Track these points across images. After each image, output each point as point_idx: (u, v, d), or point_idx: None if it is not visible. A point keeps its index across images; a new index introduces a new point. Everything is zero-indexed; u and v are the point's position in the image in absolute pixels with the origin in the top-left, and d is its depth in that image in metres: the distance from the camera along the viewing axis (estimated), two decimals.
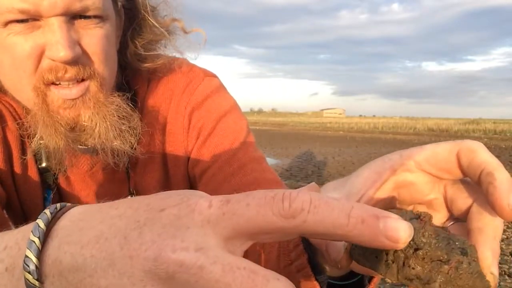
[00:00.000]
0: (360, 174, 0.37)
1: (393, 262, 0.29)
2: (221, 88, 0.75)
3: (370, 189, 0.36)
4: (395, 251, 0.28)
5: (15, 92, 0.60)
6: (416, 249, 0.28)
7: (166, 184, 0.73)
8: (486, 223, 0.32)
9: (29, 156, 0.66)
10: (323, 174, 6.84)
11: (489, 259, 0.31)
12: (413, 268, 0.28)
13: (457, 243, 0.29)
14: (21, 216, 0.72)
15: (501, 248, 3.07)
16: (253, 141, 0.73)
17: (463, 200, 0.34)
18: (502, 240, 3.26)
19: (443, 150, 0.34)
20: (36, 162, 0.66)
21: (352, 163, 8.42)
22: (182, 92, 0.71)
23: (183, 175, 0.73)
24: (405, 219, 0.26)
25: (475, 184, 0.33)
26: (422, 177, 0.35)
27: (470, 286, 0.28)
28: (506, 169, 0.30)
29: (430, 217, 0.30)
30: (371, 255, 0.30)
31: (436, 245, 0.28)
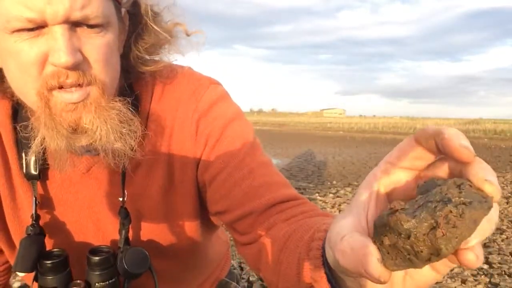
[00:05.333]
0: (358, 194, 0.40)
1: (409, 254, 0.31)
2: (225, 95, 0.77)
3: (370, 202, 0.39)
4: (403, 247, 0.31)
5: (22, 95, 0.63)
6: (408, 236, 0.30)
7: (169, 189, 0.75)
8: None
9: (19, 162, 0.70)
10: (323, 174, 6.84)
11: (480, 172, 0.31)
12: (421, 252, 0.30)
13: (436, 197, 0.30)
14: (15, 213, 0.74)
15: (501, 248, 3.07)
16: (259, 146, 0.75)
17: (440, 168, 0.37)
18: (502, 240, 3.26)
19: (404, 143, 0.38)
20: (25, 168, 0.70)
21: (352, 163, 8.42)
22: (188, 100, 0.73)
23: (191, 181, 0.74)
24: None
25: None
26: (402, 173, 0.39)
27: (475, 218, 0.29)
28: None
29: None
30: (397, 258, 0.32)
31: (418, 219, 0.30)
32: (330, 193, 5.12)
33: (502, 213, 4.10)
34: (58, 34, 0.55)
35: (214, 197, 0.71)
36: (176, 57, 0.75)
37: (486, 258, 2.85)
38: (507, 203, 4.56)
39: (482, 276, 2.52)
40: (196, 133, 0.72)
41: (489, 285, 2.42)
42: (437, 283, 2.45)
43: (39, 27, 0.55)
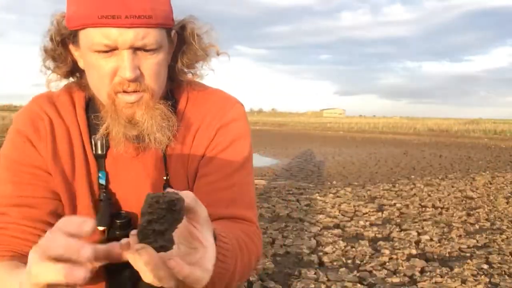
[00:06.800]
0: None
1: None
2: (244, 115, 1.00)
3: None
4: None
5: (97, 93, 0.88)
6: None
7: (190, 176, 0.95)
8: None
9: (91, 142, 0.92)
10: (323, 174, 6.84)
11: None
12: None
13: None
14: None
15: (501, 248, 3.07)
16: (251, 166, 0.97)
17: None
18: (502, 240, 3.26)
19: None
20: (94, 149, 0.92)
21: (352, 163, 8.42)
22: (217, 112, 0.96)
23: (196, 172, 0.95)
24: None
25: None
26: None
27: None
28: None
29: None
30: None
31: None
32: (330, 193, 5.12)
33: (502, 213, 4.11)
34: (125, 56, 0.79)
35: (196, 189, 0.93)
36: (207, 71, 0.98)
37: (486, 258, 2.86)
38: (507, 203, 4.56)
39: (482, 276, 2.52)
40: (213, 138, 0.94)
41: (489, 285, 2.42)
42: (437, 283, 2.45)
43: (112, 50, 0.80)
